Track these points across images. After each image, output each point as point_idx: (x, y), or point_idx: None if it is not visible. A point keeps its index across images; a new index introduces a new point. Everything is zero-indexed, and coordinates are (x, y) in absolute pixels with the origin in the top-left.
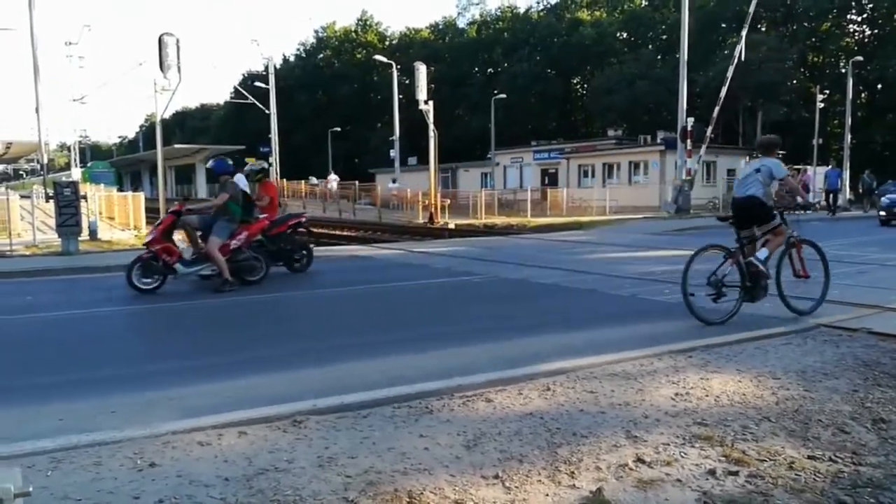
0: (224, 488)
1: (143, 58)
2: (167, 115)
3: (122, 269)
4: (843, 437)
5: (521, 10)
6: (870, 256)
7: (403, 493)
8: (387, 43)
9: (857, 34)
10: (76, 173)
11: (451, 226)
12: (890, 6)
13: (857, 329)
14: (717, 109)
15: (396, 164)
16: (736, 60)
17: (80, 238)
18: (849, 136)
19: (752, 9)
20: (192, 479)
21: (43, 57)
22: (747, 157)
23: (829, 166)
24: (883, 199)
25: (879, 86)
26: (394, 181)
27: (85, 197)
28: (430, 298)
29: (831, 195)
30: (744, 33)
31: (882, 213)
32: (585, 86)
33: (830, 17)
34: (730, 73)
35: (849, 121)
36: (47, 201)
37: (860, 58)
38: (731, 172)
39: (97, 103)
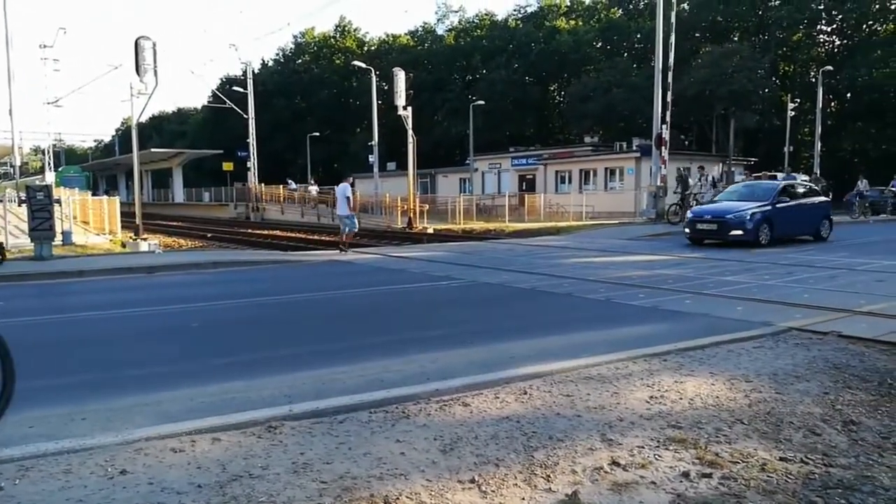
0: (197, 495)
1: (119, 61)
2: (144, 119)
3: (97, 274)
4: (814, 439)
5: (500, 18)
6: (840, 261)
7: (379, 498)
8: (365, 49)
9: (827, 44)
10: (50, 177)
11: (430, 231)
12: (859, 17)
13: (828, 333)
14: (668, 114)
15: (375, 168)
16: (672, 66)
17: (53, 243)
18: (819, 144)
19: (673, 16)
20: (164, 487)
21: (17, 59)
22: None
23: (784, 172)
24: (689, 212)
25: (849, 95)
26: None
27: (59, 201)
28: (408, 303)
29: None
30: (672, 38)
31: (686, 230)
32: (562, 93)
33: (801, 27)
34: (669, 78)
35: (819, 129)
36: (20, 205)
37: (830, 67)
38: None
39: (72, 106)
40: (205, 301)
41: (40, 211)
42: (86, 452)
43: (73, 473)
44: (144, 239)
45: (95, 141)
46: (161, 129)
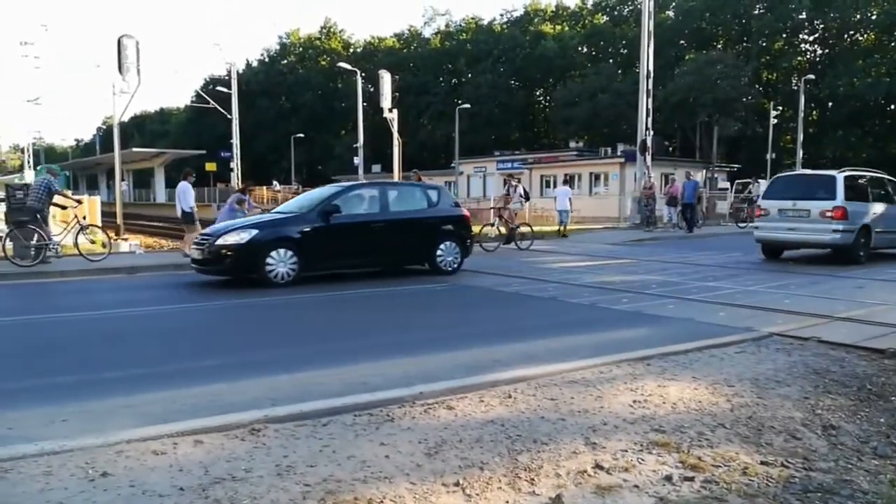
0: (179, 498)
1: (101, 59)
2: (125, 118)
3: (77, 274)
4: (794, 444)
5: (486, 22)
6: (823, 268)
7: (363, 501)
8: (351, 51)
9: (808, 53)
10: (29, 175)
11: None
12: (840, 27)
13: (808, 338)
14: (649, 120)
15: (360, 171)
16: (652, 74)
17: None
18: (800, 152)
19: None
20: (145, 489)
21: None
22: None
23: (686, 178)
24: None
25: (830, 103)
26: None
27: None
28: (392, 306)
29: (688, 210)
30: (651, 49)
31: None
32: (548, 98)
33: (784, 36)
34: (650, 85)
35: (800, 136)
36: None
37: (812, 76)
38: None
39: (53, 104)
40: (187, 303)
41: (18, 210)
42: (66, 454)
43: (53, 475)
44: (125, 239)
45: (76, 139)
46: (143, 129)
